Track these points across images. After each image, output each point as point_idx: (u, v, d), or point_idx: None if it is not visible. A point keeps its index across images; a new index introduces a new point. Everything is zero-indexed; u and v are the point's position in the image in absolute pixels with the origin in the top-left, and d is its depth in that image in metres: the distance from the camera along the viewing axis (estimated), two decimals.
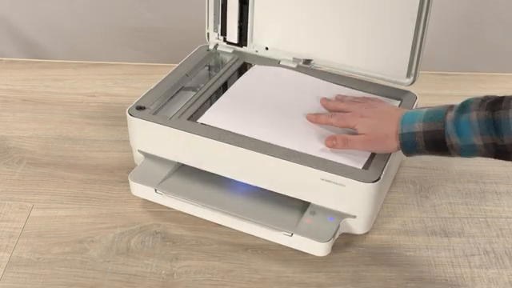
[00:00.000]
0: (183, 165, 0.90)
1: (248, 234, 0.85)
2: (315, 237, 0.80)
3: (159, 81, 0.96)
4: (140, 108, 0.90)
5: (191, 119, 0.89)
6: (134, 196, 0.91)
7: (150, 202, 0.90)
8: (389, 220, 0.91)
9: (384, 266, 0.83)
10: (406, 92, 0.96)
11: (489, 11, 1.32)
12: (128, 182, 0.89)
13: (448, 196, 0.95)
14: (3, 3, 1.36)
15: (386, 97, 0.95)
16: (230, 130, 0.86)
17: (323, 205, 0.83)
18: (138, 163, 0.94)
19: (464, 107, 0.74)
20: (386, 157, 0.83)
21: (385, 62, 0.96)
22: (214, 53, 1.06)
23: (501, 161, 0.75)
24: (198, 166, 0.88)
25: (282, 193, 0.84)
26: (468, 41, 1.36)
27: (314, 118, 0.89)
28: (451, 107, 0.76)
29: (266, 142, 0.84)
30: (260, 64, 1.03)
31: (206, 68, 1.05)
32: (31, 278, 0.81)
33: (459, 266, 0.84)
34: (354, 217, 0.83)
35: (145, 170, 0.90)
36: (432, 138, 0.76)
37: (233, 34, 1.05)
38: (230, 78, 1.01)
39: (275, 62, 1.03)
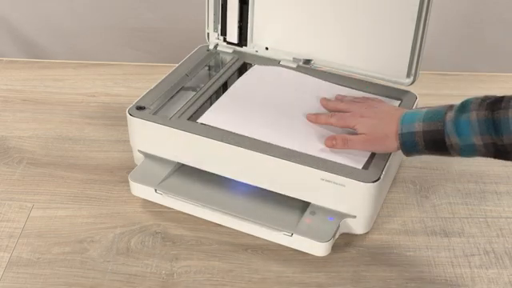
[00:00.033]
0: (183, 165, 0.90)
1: (248, 234, 0.85)
2: (315, 237, 0.80)
3: (159, 81, 0.96)
4: (140, 108, 0.90)
5: (191, 119, 0.89)
6: (134, 196, 0.91)
7: (150, 202, 0.90)
8: (389, 220, 0.91)
9: (384, 266, 0.83)
10: (406, 92, 0.96)
11: (489, 11, 1.32)
12: (128, 181, 0.89)
13: (448, 196, 0.95)
14: (3, 3, 1.36)
15: (386, 97, 0.95)
16: (230, 130, 0.86)
17: (323, 205, 0.83)
18: (138, 163, 0.94)
19: (464, 107, 0.74)
20: (386, 157, 0.83)
21: (385, 61, 0.96)
22: (214, 53, 1.06)
23: (501, 161, 0.75)
24: (198, 166, 0.88)
25: (282, 193, 0.84)
26: (468, 41, 1.36)
27: (313, 118, 0.89)
28: (451, 107, 0.76)
29: (265, 142, 0.84)
30: (260, 64, 1.03)
31: (206, 68, 1.05)
32: (31, 277, 0.81)
33: (459, 266, 0.84)
34: (354, 217, 0.83)
35: (145, 170, 0.90)
36: (432, 138, 0.76)
37: (233, 34, 1.05)
38: (230, 78, 1.01)
39: (275, 62, 1.03)
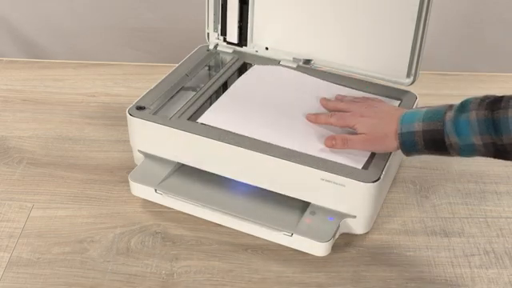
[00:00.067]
0: (183, 165, 0.90)
1: (248, 234, 0.85)
2: (315, 237, 0.80)
3: (159, 81, 0.97)
4: (140, 108, 0.90)
5: (191, 119, 0.89)
6: (134, 196, 0.91)
7: (150, 202, 0.90)
8: (389, 220, 0.91)
9: (384, 266, 0.83)
10: (406, 92, 0.96)
11: (489, 11, 1.32)
12: (128, 181, 0.89)
13: (448, 196, 0.95)
14: (3, 3, 1.36)
15: (386, 97, 0.95)
16: (230, 129, 0.86)
17: (323, 205, 0.83)
18: (138, 163, 0.94)
19: (463, 107, 0.75)
20: (386, 157, 0.83)
21: (385, 61, 0.96)
22: (214, 53, 1.06)
23: (501, 160, 0.75)
24: (198, 166, 0.88)
25: (282, 193, 0.84)
26: (468, 41, 1.36)
27: (313, 118, 0.89)
28: (450, 107, 0.76)
29: (265, 142, 0.84)
30: (260, 64, 1.03)
31: (206, 68, 1.05)
32: (31, 277, 0.81)
33: (459, 266, 0.84)
34: (354, 217, 0.83)
35: (145, 170, 0.90)
36: (431, 138, 0.76)
37: (233, 34, 1.05)
38: (229, 78, 1.01)
39: (275, 62, 1.03)
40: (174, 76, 0.98)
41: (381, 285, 0.81)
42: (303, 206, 0.84)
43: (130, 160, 0.96)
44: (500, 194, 0.96)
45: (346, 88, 0.98)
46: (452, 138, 0.75)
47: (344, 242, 0.86)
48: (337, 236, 0.83)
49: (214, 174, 0.87)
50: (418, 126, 0.77)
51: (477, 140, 0.73)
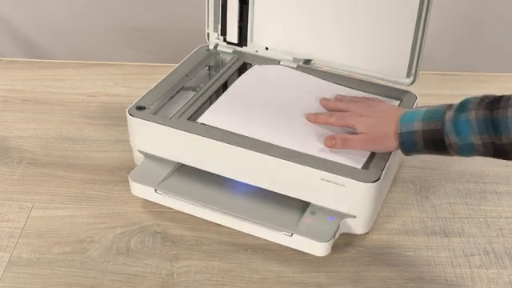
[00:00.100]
0: (183, 165, 0.90)
1: (248, 234, 0.85)
2: (315, 237, 0.80)
3: (159, 81, 0.96)
4: (140, 108, 0.90)
5: (191, 119, 0.89)
6: (134, 196, 0.91)
7: (150, 202, 0.90)
8: (389, 220, 0.91)
9: (384, 266, 0.83)
10: (406, 92, 0.96)
11: (489, 11, 1.32)
12: (128, 181, 0.89)
13: (448, 196, 0.95)
14: (3, 3, 1.36)
15: (386, 97, 0.95)
16: (230, 129, 0.86)
17: (323, 205, 0.83)
18: (138, 163, 0.94)
19: (463, 106, 0.75)
20: (386, 157, 0.83)
21: (385, 61, 0.96)
22: (214, 53, 1.06)
23: (500, 160, 0.75)
24: (198, 166, 0.88)
25: (282, 193, 0.84)
26: (468, 41, 1.36)
27: (313, 118, 0.89)
28: (450, 106, 0.76)
29: (266, 142, 0.84)
30: (260, 64, 1.03)
31: (206, 68, 1.05)
32: (31, 277, 0.81)
33: (459, 266, 0.84)
34: (354, 217, 0.83)
35: (145, 170, 0.90)
36: (431, 138, 0.76)
37: (233, 34, 1.05)
38: (229, 78, 1.01)
39: (275, 62, 1.03)
40: (174, 76, 0.98)
41: (381, 285, 0.81)
42: (303, 205, 0.84)
43: (130, 160, 0.96)
44: (500, 194, 0.96)
45: (346, 88, 0.98)
46: (451, 137, 0.75)
47: (344, 242, 0.86)
48: (337, 236, 0.83)
49: (213, 174, 0.87)
50: (417, 126, 0.77)
51: (476, 140, 0.73)
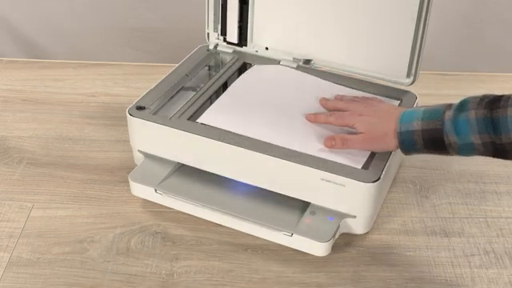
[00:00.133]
0: (183, 165, 0.90)
1: (248, 234, 0.85)
2: (315, 237, 0.80)
3: (159, 81, 0.97)
4: (140, 108, 0.90)
5: (191, 119, 0.89)
6: (134, 196, 0.91)
7: (150, 202, 0.90)
8: (389, 220, 0.91)
9: (384, 266, 0.83)
10: (406, 92, 0.96)
11: (489, 11, 1.32)
12: (128, 181, 0.89)
13: (448, 196, 0.95)
14: (3, 3, 1.36)
15: (386, 97, 0.95)
16: (230, 129, 0.86)
17: (323, 205, 0.83)
18: (138, 163, 0.94)
19: (462, 106, 0.75)
20: (386, 157, 0.83)
21: (385, 61, 0.96)
22: (214, 53, 1.06)
23: (500, 160, 0.75)
24: (198, 166, 0.88)
25: (282, 193, 0.84)
26: (468, 41, 1.36)
27: (312, 118, 0.89)
28: (450, 106, 0.76)
29: (265, 142, 0.84)
30: (260, 64, 1.03)
31: (206, 68, 1.05)
32: (31, 278, 0.81)
33: (459, 266, 0.84)
34: (354, 217, 0.83)
35: (145, 170, 0.90)
36: (430, 137, 0.76)
37: (233, 34, 1.05)
38: (230, 78, 1.01)
39: (275, 62, 1.03)
40: (174, 76, 0.98)
41: (381, 285, 0.81)
42: (303, 205, 0.84)
43: (130, 160, 0.96)
44: (500, 194, 0.96)
45: (346, 88, 0.98)
46: (451, 137, 0.75)
47: (344, 242, 0.86)
48: (337, 236, 0.83)
49: (213, 174, 0.87)
50: (417, 125, 0.77)
51: (476, 139, 0.73)
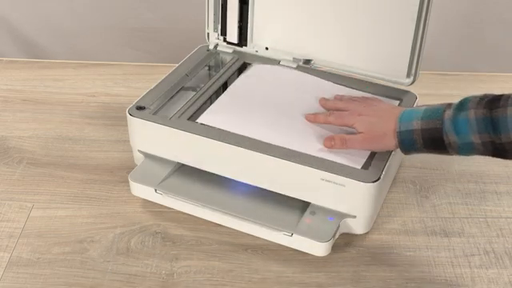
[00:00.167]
0: (183, 165, 0.90)
1: (248, 234, 0.85)
2: (315, 237, 0.80)
3: (159, 81, 0.97)
4: (140, 108, 0.90)
5: (191, 119, 0.89)
6: (134, 196, 0.91)
7: (150, 202, 0.90)
8: (389, 220, 0.91)
9: (384, 266, 0.83)
10: (406, 92, 0.96)
11: (489, 11, 1.32)
12: (128, 181, 0.89)
13: (448, 196, 0.95)
14: (3, 3, 1.36)
15: (386, 97, 0.95)
16: (230, 129, 0.86)
17: (323, 205, 0.83)
18: (138, 163, 0.94)
19: (462, 105, 0.74)
20: (386, 157, 0.83)
21: (385, 62, 0.96)
22: (214, 53, 1.06)
23: (500, 160, 0.75)
24: (198, 166, 0.88)
25: (282, 193, 0.84)
26: (468, 41, 1.36)
27: (312, 118, 0.89)
28: (449, 105, 0.76)
29: (265, 142, 0.84)
30: (260, 64, 1.03)
31: (206, 68, 1.05)
32: (31, 277, 0.81)
33: (459, 266, 0.84)
34: (354, 217, 0.83)
35: (145, 170, 0.90)
36: (430, 136, 0.76)
37: (233, 34, 1.05)
38: (229, 78, 1.01)
39: (275, 62, 1.03)
40: (174, 76, 0.98)
41: (381, 285, 0.81)
42: (303, 205, 0.84)
43: (130, 160, 0.96)
44: (500, 194, 0.96)
45: (346, 88, 0.98)
46: (451, 136, 0.75)
47: (344, 242, 0.86)
48: (337, 236, 0.83)
49: (213, 174, 0.87)
50: (416, 125, 0.77)
51: (475, 139, 0.73)
